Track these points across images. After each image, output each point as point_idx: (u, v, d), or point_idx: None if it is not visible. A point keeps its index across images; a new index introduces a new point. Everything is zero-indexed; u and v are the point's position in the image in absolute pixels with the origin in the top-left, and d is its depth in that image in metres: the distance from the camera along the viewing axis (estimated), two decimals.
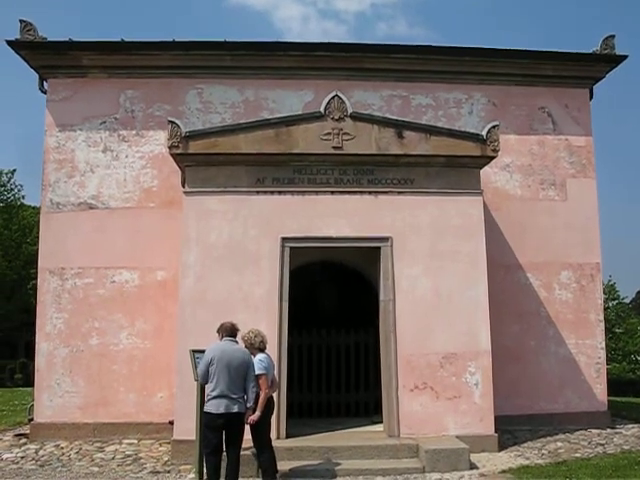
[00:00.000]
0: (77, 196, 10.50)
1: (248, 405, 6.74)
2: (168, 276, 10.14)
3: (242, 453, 6.97)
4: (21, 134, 72.01)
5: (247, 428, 6.84)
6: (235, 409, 6.57)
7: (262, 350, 7.10)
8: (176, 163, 9.34)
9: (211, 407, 6.59)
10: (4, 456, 8.74)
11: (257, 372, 6.81)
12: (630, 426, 10.70)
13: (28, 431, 10.04)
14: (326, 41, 11.09)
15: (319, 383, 10.32)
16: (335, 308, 11.39)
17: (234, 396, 6.60)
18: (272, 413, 7.22)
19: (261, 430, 6.96)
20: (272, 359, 7.33)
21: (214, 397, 6.59)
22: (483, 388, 8.75)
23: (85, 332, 10.12)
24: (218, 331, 7.03)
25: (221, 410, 6.53)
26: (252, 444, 7.13)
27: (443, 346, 8.79)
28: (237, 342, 6.99)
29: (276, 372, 7.77)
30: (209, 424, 6.67)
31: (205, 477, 6.96)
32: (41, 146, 10.64)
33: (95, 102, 10.71)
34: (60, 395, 9.95)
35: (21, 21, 10.48)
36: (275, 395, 7.80)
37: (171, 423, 8.75)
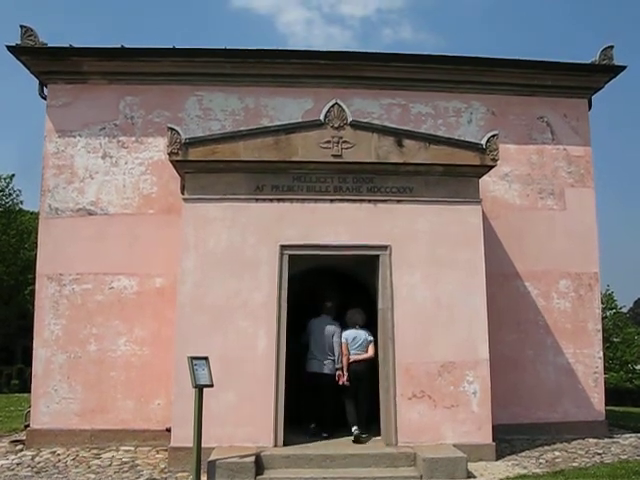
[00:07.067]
0: (76, 202, 10.49)
1: (337, 366, 9.05)
2: (167, 283, 10.12)
3: (238, 461, 7.48)
4: (20, 139, 72.15)
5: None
6: (323, 369, 9.03)
7: (352, 327, 9.32)
8: (175, 170, 9.35)
9: (307, 367, 9.15)
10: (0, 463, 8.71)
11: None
12: (627, 435, 10.67)
13: (24, 437, 9.99)
14: (326, 49, 11.15)
15: None
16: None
17: (320, 359, 9.07)
18: (353, 377, 9.04)
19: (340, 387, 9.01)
20: (358, 333, 9.26)
21: (309, 359, 9.15)
22: (481, 397, 8.75)
23: (83, 338, 10.08)
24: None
25: (311, 369, 9.08)
26: (250, 450, 7.88)
27: (442, 355, 8.79)
28: (330, 318, 9.46)
29: (274, 378, 8.44)
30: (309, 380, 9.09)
31: None
32: (40, 152, 10.65)
33: (95, 108, 10.71)
34: (57, 401, 9.91)
35: (22, 26, 10.49)
36: (273, 402, 8.39)
37: (168, 430, 8.72)
